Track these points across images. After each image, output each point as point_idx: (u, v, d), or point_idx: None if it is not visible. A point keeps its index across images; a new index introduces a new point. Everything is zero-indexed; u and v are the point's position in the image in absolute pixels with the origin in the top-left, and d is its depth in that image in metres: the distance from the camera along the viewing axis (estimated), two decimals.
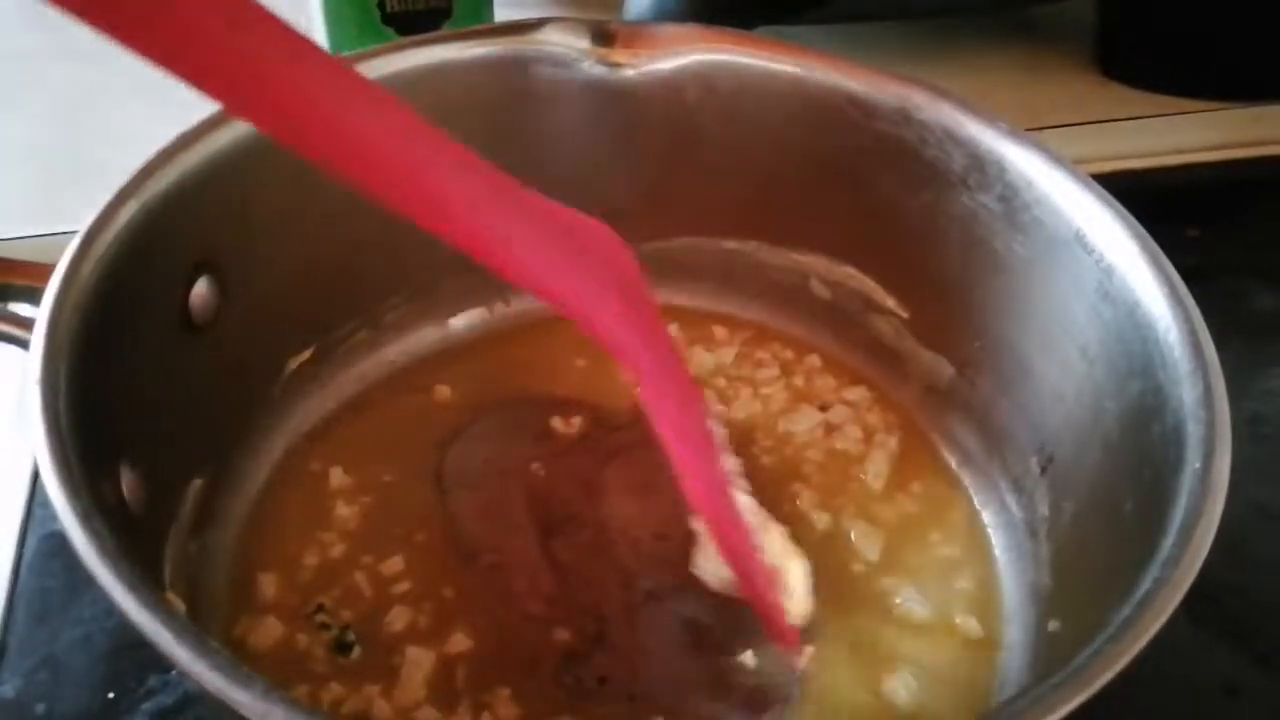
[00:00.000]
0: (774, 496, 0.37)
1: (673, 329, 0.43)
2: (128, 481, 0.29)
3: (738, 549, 0.31)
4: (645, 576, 0.35)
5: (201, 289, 0.34)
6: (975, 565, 0.36)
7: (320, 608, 0.34)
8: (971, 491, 0.38)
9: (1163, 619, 0.24)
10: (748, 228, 0.42)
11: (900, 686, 0.33)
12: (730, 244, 0.43)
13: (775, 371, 0.42)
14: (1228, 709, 0.35)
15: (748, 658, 0.33)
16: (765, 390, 0.41)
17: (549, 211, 0.28)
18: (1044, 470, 0.35)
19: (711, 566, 0.32)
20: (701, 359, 0.42)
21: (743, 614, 0.32)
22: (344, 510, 0.36)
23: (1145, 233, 0.33)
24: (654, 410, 0.29)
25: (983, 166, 0.36)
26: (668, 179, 0.42)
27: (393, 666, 0.32)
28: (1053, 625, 0.32)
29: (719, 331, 0.43)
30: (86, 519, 0.24)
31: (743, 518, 0.31)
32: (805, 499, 0.38)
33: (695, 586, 0.33)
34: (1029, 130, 0.36)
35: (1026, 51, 0.60)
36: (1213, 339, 0.30)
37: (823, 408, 0.41)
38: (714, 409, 0.39)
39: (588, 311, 0.28)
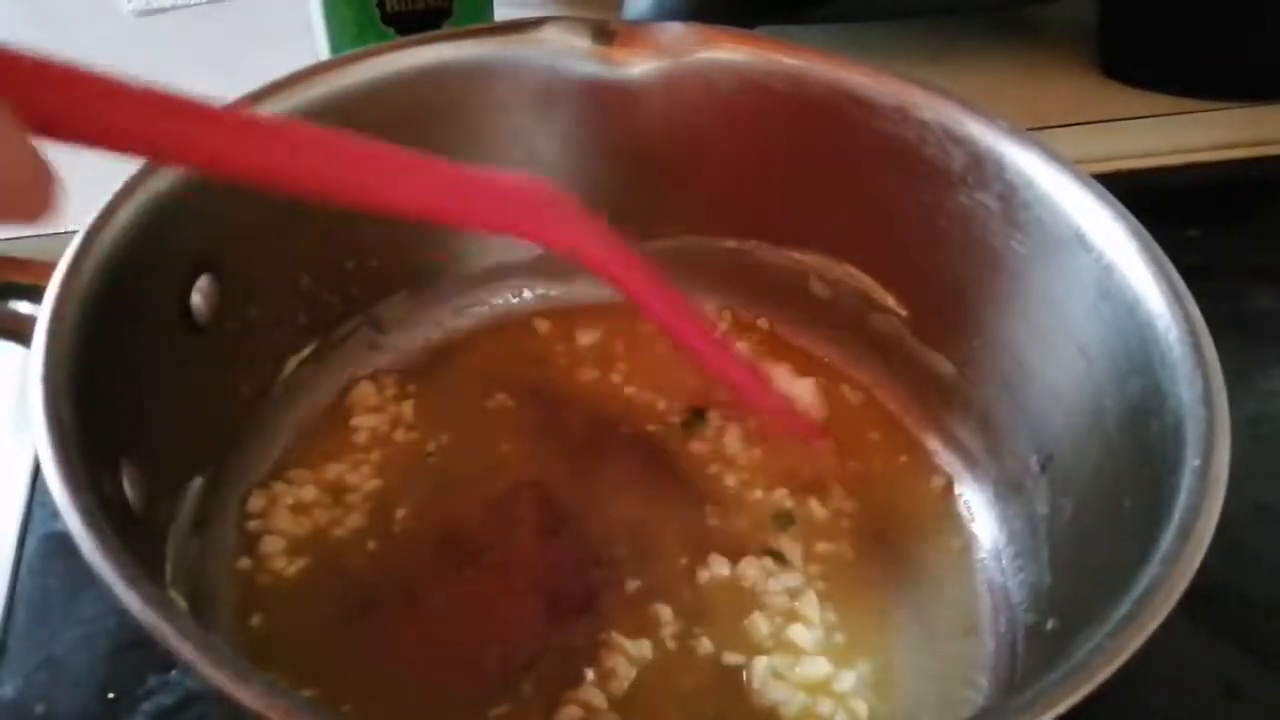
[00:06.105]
0: (777, 491, 0.37)
1: None
2: (129, 479, 0.29)
3: (743, 377, 0.36)
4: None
5: (202, 287, 0.34)
6: (973, 565, 0.36)
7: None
8: (970, 490, 0.38)
9: (1162, 615, 0.25)
10: (748, 227, 0.42)
11: (892, 679, 0.33)
12: (730, 243, 0.43)
13: (776, 370, 0.42)
14: (1228, 710, 0.35)
15: None
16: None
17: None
18: (1044, 468, 0.35)
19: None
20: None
21: None
22: (346, 509, 0.37)
23: (1144, 231, 0.33)
24: (638, 299, 0.33)
25: (981, 165, 0.36)
26: (668, 178, 0.42)
27: None
28: (1051, 624, 0.32)
29: (719, 331, 0.43)
30: (88, 516, 0.25)
31: (740, 357, 0.38)
32: (802, 496, 0.38)
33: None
34: (1030, 130, 0.36)
35: (1027, 51, 0.60)
36: (1213, 339, 0.30)
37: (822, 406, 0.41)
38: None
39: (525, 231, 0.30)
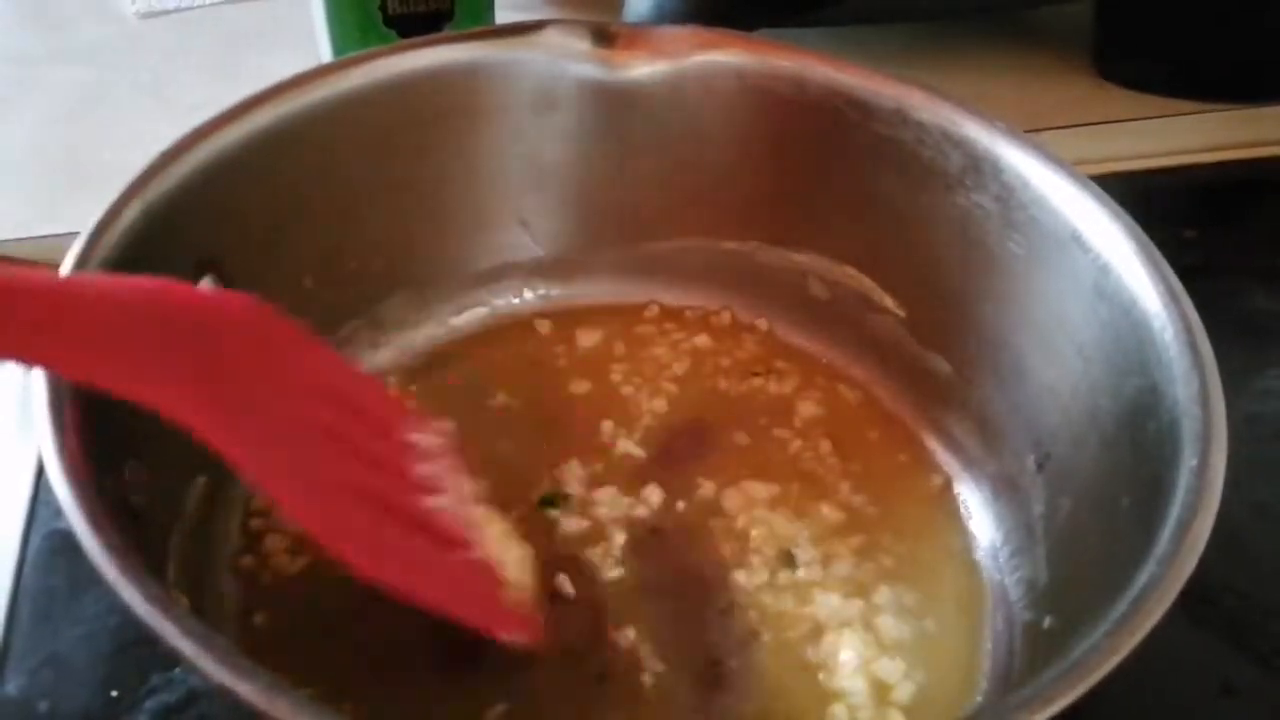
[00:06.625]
0: (777, 491, 0.38)
1: (671, 329, 0.43)
2: (132, 478, 0.29)
3: (428, 584, 0.30)
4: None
5: (205, 288, 0.34)
6: (971, 563, 0.37)
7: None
8: (968, 489, 0.38)
9: (1159, 614, 0.25)
10: (747, 228, 0.42)
11: (895, 678, 0.33)
12: (729, 244, 0.43)
13: (774, 371, 0.42)
14: (1226, 709, 0.35)
15: None
16: (764, 389, 0.41)
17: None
18: (1041, 468, 0.35)
19: None
20: (698, 358, 0.42)
21: None
22: None
23: (1141, 231, 0.33)
24: (264, 483, 0.28)
25: (979, 167, 0.36)
26: (667, 179, 0.42)
27: None
28: (1048, 622, 0.32)
29: (718, 331, 0.43)
30: (92, 514, 0.25)
31: (430, 530, 0.31)
32: (801, 495, 0.38)
33: None
34: (1027, 132, 0.37)
35: (1024, 54, 0.60)
36: (1210, 339, 0.30)
37: (821, 406, 0.41)
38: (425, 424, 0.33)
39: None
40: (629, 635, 0.34)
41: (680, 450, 0.39)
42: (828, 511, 0.37)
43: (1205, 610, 0.36)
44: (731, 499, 0.38)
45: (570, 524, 0.36)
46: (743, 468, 0.39)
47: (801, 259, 0.42)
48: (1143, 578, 0.25)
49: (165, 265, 0.33)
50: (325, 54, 0.50)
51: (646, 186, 0.42)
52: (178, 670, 0.33)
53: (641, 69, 0.39)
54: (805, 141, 0.40)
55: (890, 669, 0.33)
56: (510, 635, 0.31)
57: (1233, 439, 0.28)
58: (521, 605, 0.32)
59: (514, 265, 0.43)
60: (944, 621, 0.35)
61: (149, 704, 0.33)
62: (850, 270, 0.41)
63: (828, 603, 0.35)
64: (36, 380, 0.27)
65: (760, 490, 0.38)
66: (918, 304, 0.40)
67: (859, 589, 0.35)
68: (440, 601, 0.30)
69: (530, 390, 0.41)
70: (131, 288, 0.26)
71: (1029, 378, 0.36)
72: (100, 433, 0.28)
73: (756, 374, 0.42)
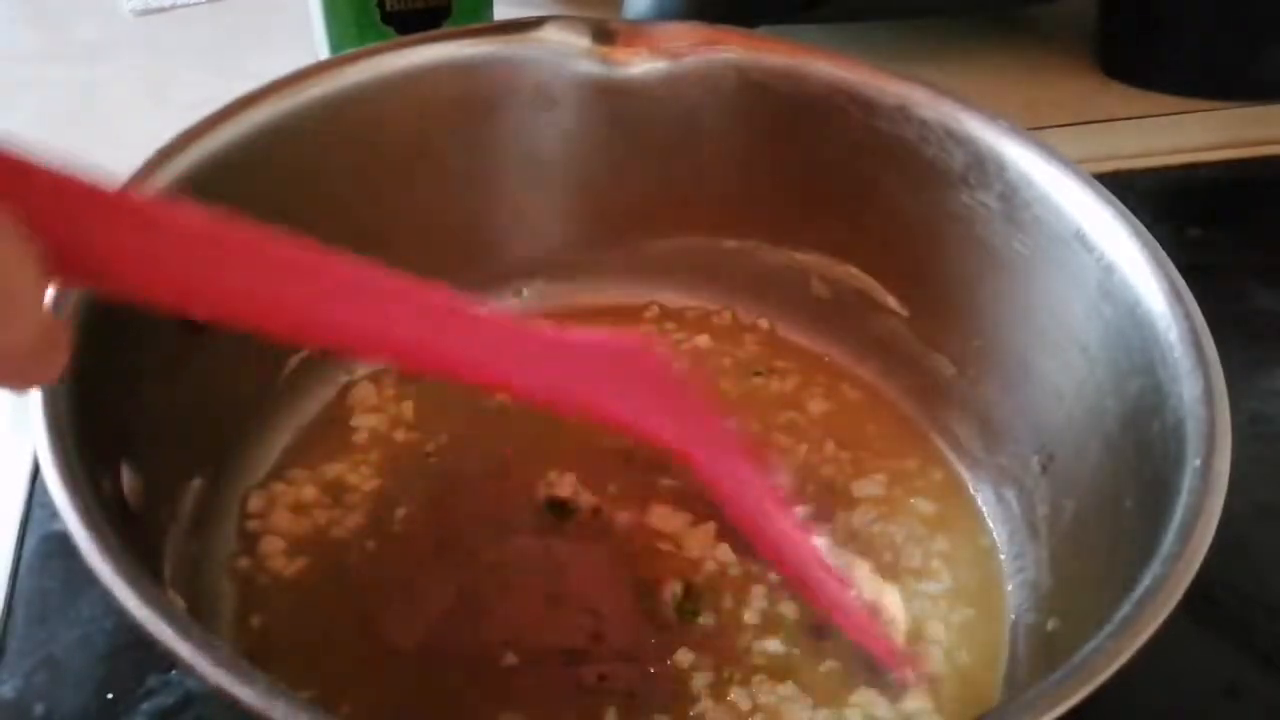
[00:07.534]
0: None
1: (671, 329, 0.43)
2: (128, 480, 0.29)
3: (833, 600, 0.33)
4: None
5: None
6: (975, 565, 0.36)
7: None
8: (972, 491, 0.38)
9: (1163, 615, 0.25)
10: (748, 226, 0.42)
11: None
12: (730, 243, 0.43)
13: (776, 371, 0.42)
14: (1229, 710, 0.35)
15: None
16: (767, 389, 0.41)
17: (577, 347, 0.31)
18: (1044, 469, 0.35)
19: None
20: (699, 359, 0.42)
21: None
22: (345, 509, 0.36)
23: (1145, 231, 0.33)
24: (718, 491, 0.33)
25: (982, 165, 0.36)
26: (668, 178, 0.42)
27: None
28: (1052, 624, 0.32)
29: (719, 331, 0.43)
30: (88, 517, 0.25)
31: (825, 567, 0.34)
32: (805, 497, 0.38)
33: None
34: (1030, 129, 0.36)
35: (1028, 51, 0.60)
36: (1215, 339, 0.30)
37: (823, 406, 0.41)
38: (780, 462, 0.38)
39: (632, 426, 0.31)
40: (630, 637, 0.33)
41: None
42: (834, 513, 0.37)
43: (1209, 611, 0.36)
44: None
45: (573, 527, 0.36)
46: None
47: (803, 258, 0.42)
48: (1147, 579, 0.25)
49: None
50: (322, 51, 0.50)
51: (646, 184, 0.42)
52: (174, 673, 0.33)
53: (641, 66, 0.39)
54: (807, 139, 0.40)
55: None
56: (902, 671, 0.33)
57: (1237, 439, 0.28)
58: (902, 643, 0.34)
59: (513, 264, 0.43)
60: (946, 624, 0.35)
61: (145, 706, 0.33)
62: (852, 269, 0.41)
63: None
64: None
65: None
66: (920, 303, 0.40)
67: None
68: (859, 630, 0.33)
69: None
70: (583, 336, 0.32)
71: (1032, 378, 0.36)
72: (96, 434, 0.27)
73: (758, 374, 0.42)
